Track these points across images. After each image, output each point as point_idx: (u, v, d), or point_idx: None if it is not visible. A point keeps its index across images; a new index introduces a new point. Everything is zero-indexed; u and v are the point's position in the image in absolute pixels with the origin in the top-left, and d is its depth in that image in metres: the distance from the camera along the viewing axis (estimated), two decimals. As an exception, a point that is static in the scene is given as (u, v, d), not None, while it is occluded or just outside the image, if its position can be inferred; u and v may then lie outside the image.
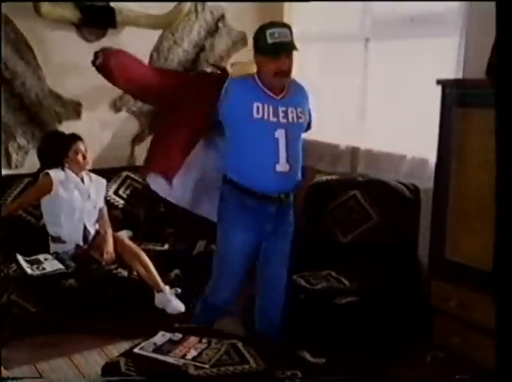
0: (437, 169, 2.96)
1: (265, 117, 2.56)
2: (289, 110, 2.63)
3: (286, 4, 4.14)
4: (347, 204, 3.51)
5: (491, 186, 2.62)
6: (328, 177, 3.69)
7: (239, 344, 2.41)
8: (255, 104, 2.55)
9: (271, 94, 2.60)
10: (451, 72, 3.17)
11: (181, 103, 2.77)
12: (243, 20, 4.33)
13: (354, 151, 3.88)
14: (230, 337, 2.50)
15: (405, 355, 3.00)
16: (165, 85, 2.85)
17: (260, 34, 2.55)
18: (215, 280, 2.79)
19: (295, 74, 2.70)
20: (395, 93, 3.60)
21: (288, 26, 2.59)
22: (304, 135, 2.70)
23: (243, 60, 4.30)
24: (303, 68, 4.01)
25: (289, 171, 2.61)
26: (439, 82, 2.85)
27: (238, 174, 2.63)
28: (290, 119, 2.62)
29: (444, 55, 3.24)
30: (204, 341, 2.44)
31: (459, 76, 3.14)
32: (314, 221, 3.56)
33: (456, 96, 2.81)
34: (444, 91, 2.84)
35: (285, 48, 2.53)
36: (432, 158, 3.08)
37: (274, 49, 2.51)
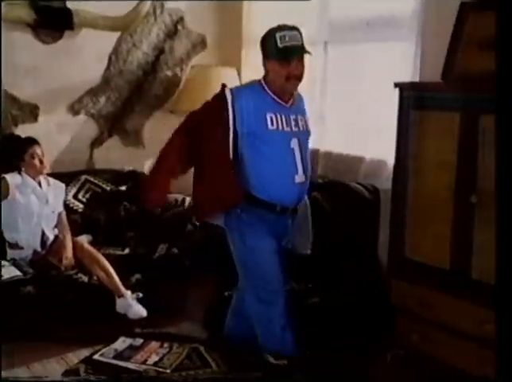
0: (395, 170, 3.01)
1: (280, 127, 2.48)
2: (299, 118, 2.57)
3: (245, 5, 4.13)
4: (307, 206, 3.53)
5: (448, 186, 2.73)
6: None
7: (201, 348, 2.41)
8: (268, 115, 2.46)
9: (281, 102, 2.52)
10: (409, 75, 3.22)
11: (204, 140, 2.52)
12: (202, 22, 4.32)
13: (313, 153, 3.90)
14: (192, 341, 2.49)
15: (368, 354, 3.03)
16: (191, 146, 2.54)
17: (269, 38, 2.45)
18: (258, 292, 2.58)
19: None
20: (354, 96, 3.64)
21: (297, 29, 2.48)
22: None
23: (203, 63, 4.31)
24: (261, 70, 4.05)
25: (305, 181, 2.58)
26: (396, 85, 2.89)
27: (256, 188, 2.51)
28: (301, 128, 2.57)
29: (401, 58, 3.29)
30: (166, 345, 2.43)
31: (416, 79, 3.20)
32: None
33: (413, 99, 2.85)
34: (401, 94, 2.88)
35: (297, 52, 2.45)
36: (391, 160, 3.13)
37: (286, 54, 2.42)
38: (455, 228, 2.74)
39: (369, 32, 3.45)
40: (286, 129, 2.50)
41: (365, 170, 3.56)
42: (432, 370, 2.74)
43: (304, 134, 2.59)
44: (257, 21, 4.05)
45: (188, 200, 3.94)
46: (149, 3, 4.04)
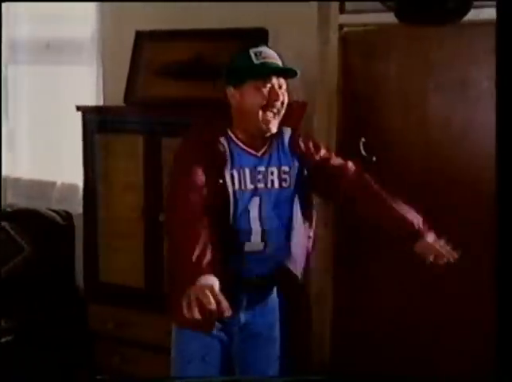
0: (85, 194, 3.01)
1: (242, 187, 1.92)
2: (270, 170, 1.97)
3: None
4: (-4, 238, 3.30)
5: (137, 207, 2.81)
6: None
7: None
8: (228, 173, 1.90)
9: (251, 150, 1.94)
10: (94, 98, 3.25)
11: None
12: None
13: (2, 181, 3.68)
14: None
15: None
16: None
17: (239, 58, 1.92)
18: None
19: None
20: (41, 119, 3.55)
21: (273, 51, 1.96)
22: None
23: None
24: None
25: (264, 250, 1.96)
26: (79, 108, 2.90)
27: None
28: (269, 184, 1.96)
29: (85, 82, 3.30)
30: None
31: (101, 102, 3.23)
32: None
33: (97, 123, 2.88)
34: (84, 118, 2.90)
35: (278, 71, 1.90)
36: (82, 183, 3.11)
37: (263, 70, 1.88)
38: (147, 248, 2.85)
39: (50, 54, 3.38)
40: (249, 187, 1.94)
41: (57, 195, 3.47)
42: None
43: (270, 193, 1.97)
44: None
45: None
46: None
